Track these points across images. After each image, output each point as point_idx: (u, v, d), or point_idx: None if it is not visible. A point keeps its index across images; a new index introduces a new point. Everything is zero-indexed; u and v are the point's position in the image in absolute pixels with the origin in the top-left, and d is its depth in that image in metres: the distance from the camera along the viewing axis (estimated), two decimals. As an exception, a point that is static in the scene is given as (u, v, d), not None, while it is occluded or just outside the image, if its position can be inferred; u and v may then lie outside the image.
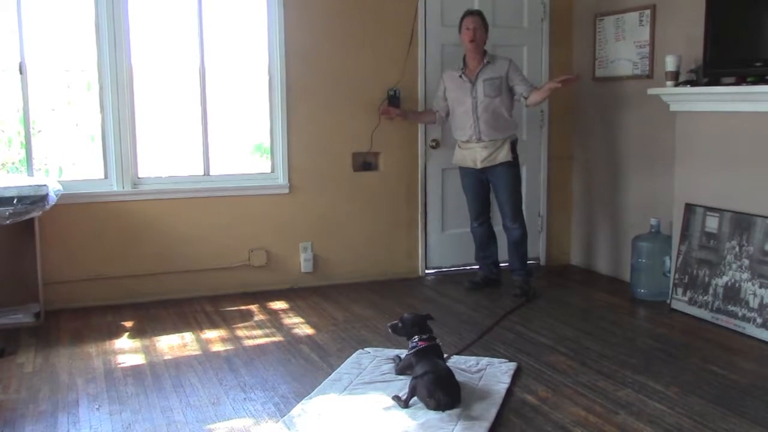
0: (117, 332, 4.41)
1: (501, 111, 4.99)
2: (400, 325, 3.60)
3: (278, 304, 4.98)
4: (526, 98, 5.00)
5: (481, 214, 5.25)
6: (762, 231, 4.22)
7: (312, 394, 3.39)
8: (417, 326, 3.55)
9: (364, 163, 5.52)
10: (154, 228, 5.03)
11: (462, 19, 5.02)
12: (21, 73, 4.68)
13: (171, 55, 5.10)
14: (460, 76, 5.05)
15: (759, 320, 4.16)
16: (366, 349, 4.00)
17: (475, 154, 5.07)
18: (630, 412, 3.22)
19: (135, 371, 3.77)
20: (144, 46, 4.97)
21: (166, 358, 3.97)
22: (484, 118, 4.98)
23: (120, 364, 3.88)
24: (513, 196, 5.10)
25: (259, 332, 4.40)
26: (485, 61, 5.00)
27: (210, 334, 4.37)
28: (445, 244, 5.74)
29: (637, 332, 4.39)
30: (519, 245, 5.16)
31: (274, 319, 4.65)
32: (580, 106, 5.91)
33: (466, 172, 5.20)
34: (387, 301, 5.02)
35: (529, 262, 5.36)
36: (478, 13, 5.02)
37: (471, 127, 5.02)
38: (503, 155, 5.01)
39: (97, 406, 3.34)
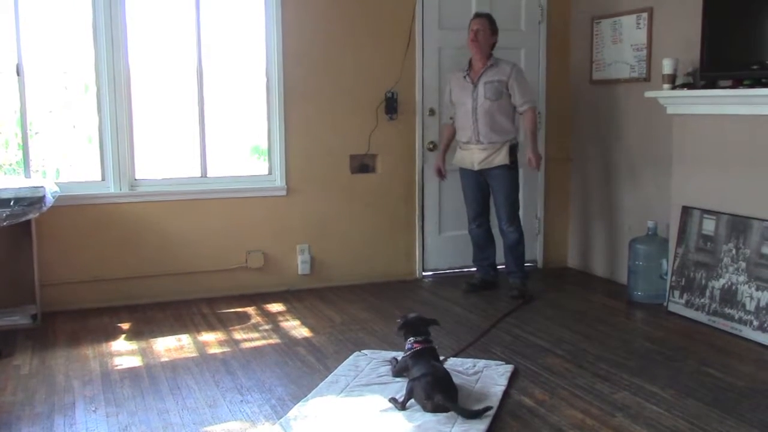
0: (114, 334, 4.41)
1: (500, 115, 4.99)
2: (400, 322, 3.61)
3: (275, 307, 4.98)
4: (520, 114, 5.03)
5: (478, 216, 5.25)
6: (759, 233, 4.22)
7: (309, 396, 3.39)
8: (410, 327, 3.55)
9: (362, 165, 5.53)
10: (151, 230, 5.02)
11: (471, 21, 5.04)
12: (18, 74, 4.68)
13: (168, 57, 5.10)
14: (464, 77, 5.06)
15: (756, 323, 4.16)
16: (363, 351, 3.99)
17: (473, 156, 5.07)
18: (627, 414, 3.22)
19: (132, 373, 3.76)
20: (141, 47, 4.98)
21: (162, 360, 3.96)
22: (483, 120, 4.98)
23: (117, 366, 3.88)
24: (509, 199, 5.10)
25: (256, 334, 4.40)
26: (489, 63, 4.99)
27: (207, 336, 4.37)
28: (443, 247, 5.74)
29: (634, 335, 4.39)
30: (515, 248, 5.16)
31: (271, 322, 4.65)
32: (577, 109, 5.92)
33: (465, 173, 5.21)
34: (384, 303, 5.02)
35: (526, 264, 5.36)
36: (485, 16, 5.02)
37: (470, 128, 5.03)
38: (500, 158, 5.01)
39: (93, 409, 3.33)
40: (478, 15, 5.05)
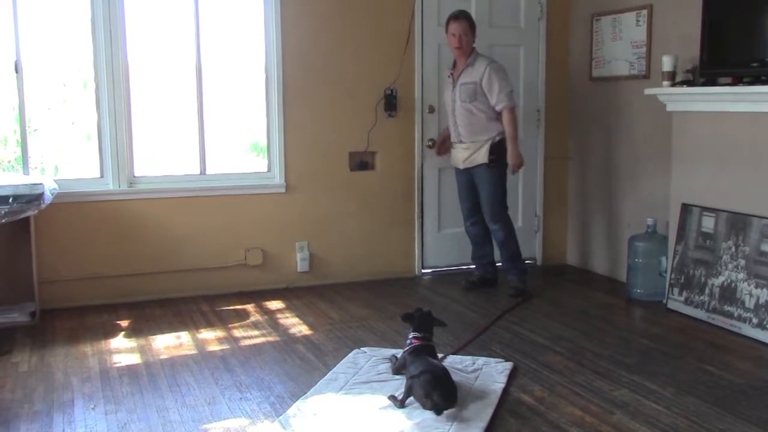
0: (112, 332, 4.40)
1: (478, 114, 4.91)
2: (410, 313, 3.63)
3: (274, 304, 4.98)
4: (498, 112, 4.91)
5: (472, 214, 5.20)
6: (758, 231, 4.22)
7: (308, 393, 3.39)
8: (415, 320, 3.56)
9: (361, 162, 5.52)
10: (150, 227, 5.02)
11: (447, 22, 4.95)
12: (17, 71, 4.67)
13: (167, 54, 5.09)
14: (449, 76, 5.05)
15: (755, 320, 4.16)
16: (362, 348, 3.99)
17: (458, 155, 5.07)
18: (626, 412, 3.22)
19: (130, 371, 3.76)
20: (140, 44, 4.97)
21: (161, 357, 3.96)
22: (462, 121, 4.96)
23: (115, 363, 3.88)
24: (492, 197, 5.01)
25: (255, 332, 4.39)
26: (467, 63, 4.92)
27: (206, 333, 4.37)
28: (442, 244, 5.74)
29: (633, 332, 4.39)
30: (504, 245, 5.10)
31: (271, 319, 4.65)
32: (576, 106, 5.91)
33: (457, 172, 5.20)
34: (383, 300, 5.02)
35: (527, 261, 5.33)
36: (464, 16, 4.91)
37: (453, 128, 5.04)
38: (481, 157, 4.94)
39: (92, 406, 3.33)
40: (456, 17, 4.90)
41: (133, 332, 4.39)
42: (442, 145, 5.37)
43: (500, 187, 5.05)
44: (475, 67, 4.90)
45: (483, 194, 5.06)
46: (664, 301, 4.80)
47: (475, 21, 5.00)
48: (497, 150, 4.94)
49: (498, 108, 4.88)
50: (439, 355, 3.62)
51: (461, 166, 5.07)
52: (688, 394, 3.41)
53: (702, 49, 4.48)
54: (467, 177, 5.11)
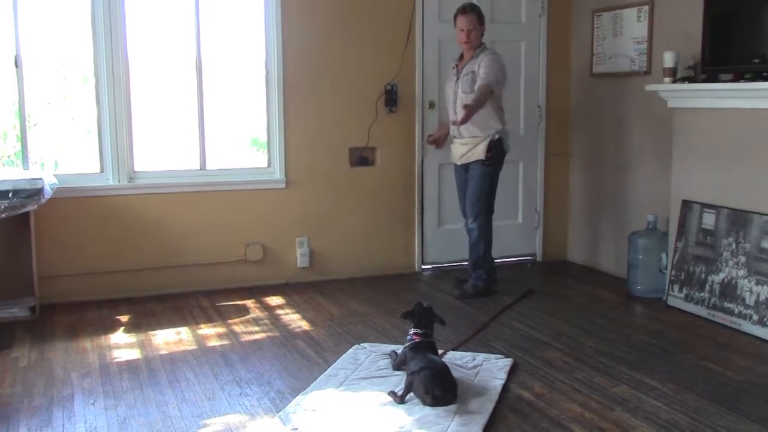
0: (112, 327, 4.40)
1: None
2: (411, 309, 3.62)
3: (274, 300, 4.97)
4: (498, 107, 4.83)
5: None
6: (759, 228, 4.22)
7: (308, 389, 3.39)
8: (416, 316, 3.55)
9: (361, 158, 5.51)
10: (150, 222, 5.01)
11: (455, 16, 4.83)
12: (17, 66, 4.66)
13: (168, 49, 5.08)
14: (453, 68, 4.98)
15: (755, 317, 4.16)
16: (362, 344, 3.99)
17: (456, 151, 4.99)
18: (626, 408, 3.22)
19: (130, 366, 3.76)
20: (140, 39, 4.96)
21: (161, 352, 3.96)
22: (461, 113, 4.78)
23: (115, 358, 3.87)
24: (477, 194, 4.88)
25: (255, 327, 4.39)
26: (473, 55, 4.81)
27: (206, 329, 4.37)
28: (442, 240, 5.73)
29: (633, 329, 4.39)
30: (475, 247, 4.96)
31: (270, 315, 4.65)
32: (577, 103, 5.90)
33: (455, 169, 5.11)
34: (383, 296, 5.02)
35: (527, 257, 5.29)
36: (472, 10, 4.79)
37: (453, 122, 4.95)
38: (478, 153, 4.83)
39: (92, 401, 3.33)
40: (464, 11, 4.78)
41: (132, 327, 4.39)
42: (439, 138, 5.22)
43: (488, 186, 4.89)
44: (477, 58, 4.78)
45: (469, 191, 4.92)
46: (665, 298, 4.80)
47: (483, 13, 4.86)
48: (495, 147, 4.82)
49: (478, 83, 4.68)
50: (440, 351, 3.62)
51: (458, 162, 5.00)
52: (688, 390, 3.41)
53: (703, 45, 4.48)
54: (464, 174, 5.00)
